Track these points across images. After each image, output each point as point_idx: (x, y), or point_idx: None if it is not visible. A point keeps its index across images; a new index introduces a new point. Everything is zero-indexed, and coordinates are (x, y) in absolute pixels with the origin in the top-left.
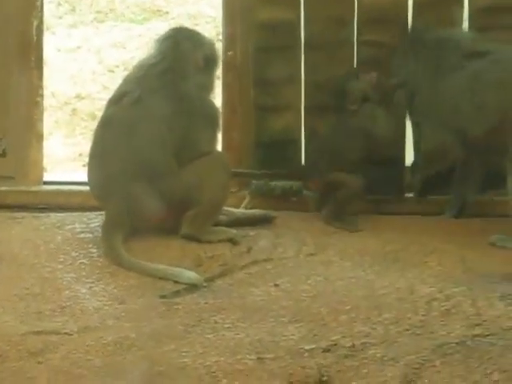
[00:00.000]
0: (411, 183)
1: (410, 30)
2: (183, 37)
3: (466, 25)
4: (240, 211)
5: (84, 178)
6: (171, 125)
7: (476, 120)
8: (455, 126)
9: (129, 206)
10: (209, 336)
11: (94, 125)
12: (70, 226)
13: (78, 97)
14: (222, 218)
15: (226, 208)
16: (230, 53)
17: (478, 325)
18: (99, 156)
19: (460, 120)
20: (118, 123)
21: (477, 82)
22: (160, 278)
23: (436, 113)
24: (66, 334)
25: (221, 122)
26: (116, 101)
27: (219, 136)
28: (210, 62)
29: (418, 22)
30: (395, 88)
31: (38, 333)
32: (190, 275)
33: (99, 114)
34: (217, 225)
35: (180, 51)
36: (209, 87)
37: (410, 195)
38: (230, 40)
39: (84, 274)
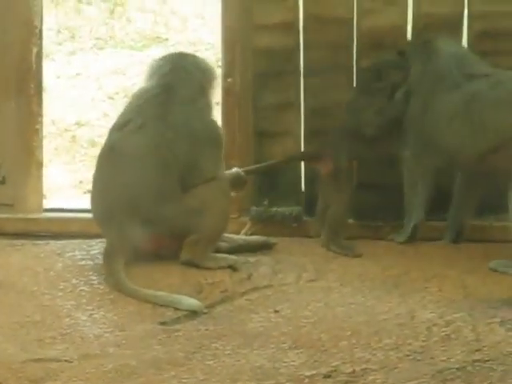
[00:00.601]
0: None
1: (414, 38)
2: (187, 62)
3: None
4: (241, 237)
5: (84, 205)
6: (175, 151)
7: (471, 141)
8: (447, 147)
9: (130, 233)
10: (209, 363)
11: (93, 152)
12: (70, 254)
13: (78, 124)
14: (223, 244)
15: (226, 235)
16: (229, 79)
17: (478, 350)
18: (102, 182)
19: (453, 140)
20: (121, 150)
21: (475, 102)
22: (160, 305)
23: (428, 129)
24: (66, 361)
25: (224, 143)
26: (119, 128)
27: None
28: (210, 85)
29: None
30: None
31: (39, 360)
32: (191, 302)
33: (99, 140)
34: (217, 251)
35: (188, 79)
36: (210, 110)
37: None
38: (229, 66)
39: (84, 301)
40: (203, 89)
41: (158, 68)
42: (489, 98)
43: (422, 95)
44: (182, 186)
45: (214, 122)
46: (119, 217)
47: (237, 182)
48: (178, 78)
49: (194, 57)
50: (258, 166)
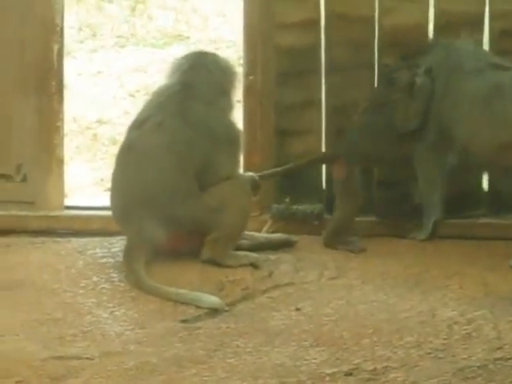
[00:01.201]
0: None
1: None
2: (210, 63)
3: (486, 48)
4: (262, 235)
5: (105, 202)
6: (193, 149)
7: (488, 133)
8: (463, 137)
9: (150, 231)
10: (230, 360)
11: (115, 150)
12: (91, 251)
13: (99, 121)
14: (244, 242)
15: (247, 232)
16: (251, 77)
17: (499, 348)
18: (121, 180)
19: (470, 128)
20: (139, 148)
21: (496, 93)
22: (181, 303)
23: (445, 118)
24: (87, 358)
25: (242, 143)
26: (138, 126)
27: (241, 158)
28: (231, 85)
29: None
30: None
31: (60, 358)
32: (212, 300)
33: (120, 138)
34: (239, 249)
35: (208, 78)
36: (230, 110)
37: None
38: (250, 65)
39: (105, 298)
40: (223, 88)
41: (178, 66)
42: (510, 92)
43: (441, 83)
44: (200, 185)
45: (232, 122)
46: (138, 214)
47: (253, 186)
48: (197, 76)
49: (214, 55)
50: (274, 170)
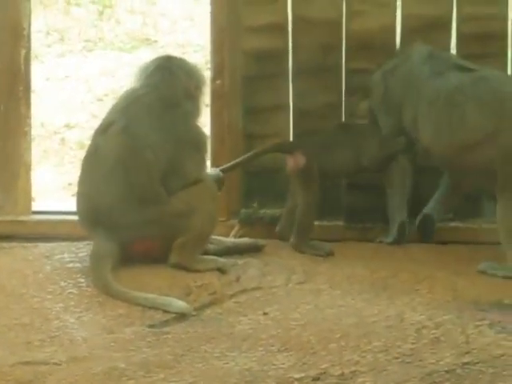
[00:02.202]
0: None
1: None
2: (175, 66)
3: (453, 52)
4: (229, 240)
5: (72, 207)
6: (158, 153)
7: (447, 133)
8: (423, 137)
9: (115, 236)
10: (198, 365)
11: (82, 154)
12: (58, 256)
13: (67, 126)
14: (212, 247)
15: (215, 237)
16: (218, 81)
17: (467, 353)
18: (86, 186)
19: (430, 129)
20: (104, 152)
21: (458, 94)
22: (149, 308)
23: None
24: (54, 364)
25: (209, 147)
26: (103, 130)
27: (207, 162)
28: (197, 89)
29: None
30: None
31: (27, 363)
32: (179, 304)
33: (88, 143)
34: (206, 254)
35: (172, 80)
36: (196, 114)
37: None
38: (218, 69)
39: (73, 303)
40: (189, 92)
41: (144, 70)
42: (471, 93)
43: (402, 84)
44: (166, 190)
45: (198, 126)
46: (104, 220)
47: (217, 183)
48: (162, 79)
49: (180, 60)
50: (234, 162)
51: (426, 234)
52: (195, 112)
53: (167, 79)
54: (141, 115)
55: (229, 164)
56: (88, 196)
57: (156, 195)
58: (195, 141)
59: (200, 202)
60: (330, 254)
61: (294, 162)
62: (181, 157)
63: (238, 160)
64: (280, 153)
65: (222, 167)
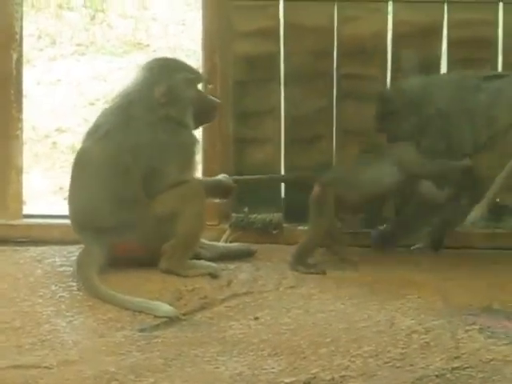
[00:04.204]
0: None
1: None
2: (159, 66)
3: (444, 57)
4: (222, 245)
5: (64, 211)
6: (138, 158)
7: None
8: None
9: (103, 239)
10: (188, 370)
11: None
12: (49, 260)
13: (59, 130)
14: (204, 252)
15: (207, 242)
16: (210, 86)
17: (457, 357)
18: (75, 190)
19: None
20: (89, 157)
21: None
22: (135, 311)
23: None
24: (45, 367)
25: (196, 151)
26: (90, 135)
27: (195, 166)
28: (177, 93)
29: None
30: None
31: (18, 367)
32: (166, 308)
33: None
34: (199, 259)
35: (151, 82)
36: (180, 116)
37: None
38: (210, 73)
39: (64, 307)
40: (164, 99)
41: (136, 72)
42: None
43: None
44: (147, 194)
45: (183, 129)
46: (90, 223)
47: (221, 189)
48: (142, 82)
49: (169, 61)
50: (249, 176)
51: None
52: (176, 117)
53: (147, 81)
54: (122, 119)
55: (244, 177)
56: (76, 200)
57: (136, 200)
58: (178, 144)
59: (185, 206)
60: (321, 273)
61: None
62: (162, 161)
63: (254, 176)
64: (296, 184)
65: (234, 177)
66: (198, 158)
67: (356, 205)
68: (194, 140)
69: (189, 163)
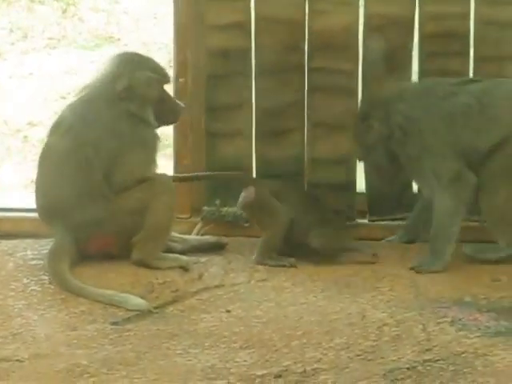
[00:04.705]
0: None
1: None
2: (114, 62)
3: (416, 50)
4: (194, 238)
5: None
6: (99, 151)
7: None
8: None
9: (71, 232)
10: (161, 362)
11: None
12: (21, 253)
13: (30, 124)
14: (175, 245)
15: (178, 235)
16: (181, 80)
17: (428, 350)
18: (41, 184)
19: None
20: (53, 151)
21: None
22: (106, 304)
23: None
24: (17, 361)
25: (157, 148)
26: (54, 128)
27: (156, 163)
28: (137, 90)
29: None
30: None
31: None
32: (137, 301)
33: None
34: (171, 252)
35: (112, 77)
36: (139, 115)
37: (362, 221)
38: (181, 67)
39: (35, 300)
40: (134, 89)
41: (100, 67)
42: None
43: None
44: (111, 188)
45: (144, 124)
46: (58, 217)
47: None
48: (104, 76)
49: (133, 55)
50: (189, 174)
51: None
52: (139, 111)
53: (110, 75)
54: (85, 112)
55: (183, 175)
56: (43, 193)
57: (98, 193)
58: (140, 138)
59: (153, 199)
60: (292, 266)
61: (245, 197)
62: (124, 155)
63: (193, 174)
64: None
65: (175, 175)
66: (169, 152)
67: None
68: (154, 136)
69: (150, 159)
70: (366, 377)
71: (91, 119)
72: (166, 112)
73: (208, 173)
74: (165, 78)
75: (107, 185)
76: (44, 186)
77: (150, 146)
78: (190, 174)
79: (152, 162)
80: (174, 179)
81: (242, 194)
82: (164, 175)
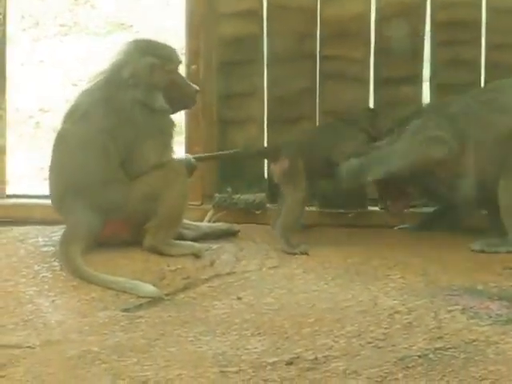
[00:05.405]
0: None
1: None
2: (124, 49)
3: (427, 39)
4: (206, 225)
5: (47, 191)
6: (116, 137)
7: None
8: None
9: (84, 219)
10: (171, 349)
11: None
12: (32, 240)
13: (42, 110)
14: (188, 232)
15: (190, 222)
16: (193, 67)
17: (439, 338)
18: (56, 170)
19: None
20: (68, 138)
21: None
22: (118, 291)
23: None
24: (28, 347)
25: (172, 134)
26: (69, 114)
27: (172, 149)
28: (142, 77)
29: None
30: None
31: (1, 347)
32: (148, 288)
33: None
34: (183, 239)
35: (121, 64)
36: (147, 102)
37: (373, 208)
38: (193, 54)
39: (47, 287)
40: (140, 74)
41: (114, 54)
42: None
43: None
44: (127, 173)
45: (161, 110)
46: (71, 203)
47: (188, 168)
48: (114, 63)
49: (144, 42)
50: (210, 154)
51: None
52: (146, 98)
53: (120, 62)
54: (100, 99)
55: (205, 154)
56: (57, 180)
57: (115, 179)
58: (157, 124)
59: (166, 185)
60: (304, 253)
61: (278, 168)
62: (140, 141)
63: (215, 153)
64: (262, 158)
65: (196, 155)
66: (180, 139)
67: (325, 170)
68: (170, 123)
69: (165, 145)
70: (377, 364)
71: (106, 106)
72: (180, 97)
73: (229, 152)
74: (172, 63)
75: (123, 171)
76: (59, 171)
77: (166, 133)
78: (211, 154)
79: (168, 148)
80: (197, 159)
81: (274, 167)
82: (178, 160)
